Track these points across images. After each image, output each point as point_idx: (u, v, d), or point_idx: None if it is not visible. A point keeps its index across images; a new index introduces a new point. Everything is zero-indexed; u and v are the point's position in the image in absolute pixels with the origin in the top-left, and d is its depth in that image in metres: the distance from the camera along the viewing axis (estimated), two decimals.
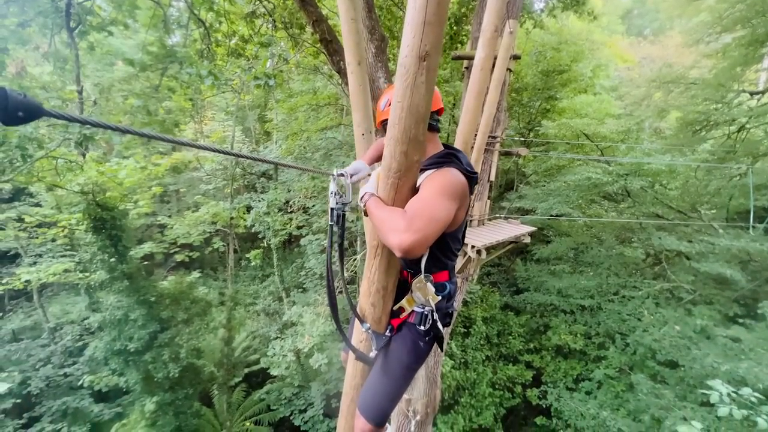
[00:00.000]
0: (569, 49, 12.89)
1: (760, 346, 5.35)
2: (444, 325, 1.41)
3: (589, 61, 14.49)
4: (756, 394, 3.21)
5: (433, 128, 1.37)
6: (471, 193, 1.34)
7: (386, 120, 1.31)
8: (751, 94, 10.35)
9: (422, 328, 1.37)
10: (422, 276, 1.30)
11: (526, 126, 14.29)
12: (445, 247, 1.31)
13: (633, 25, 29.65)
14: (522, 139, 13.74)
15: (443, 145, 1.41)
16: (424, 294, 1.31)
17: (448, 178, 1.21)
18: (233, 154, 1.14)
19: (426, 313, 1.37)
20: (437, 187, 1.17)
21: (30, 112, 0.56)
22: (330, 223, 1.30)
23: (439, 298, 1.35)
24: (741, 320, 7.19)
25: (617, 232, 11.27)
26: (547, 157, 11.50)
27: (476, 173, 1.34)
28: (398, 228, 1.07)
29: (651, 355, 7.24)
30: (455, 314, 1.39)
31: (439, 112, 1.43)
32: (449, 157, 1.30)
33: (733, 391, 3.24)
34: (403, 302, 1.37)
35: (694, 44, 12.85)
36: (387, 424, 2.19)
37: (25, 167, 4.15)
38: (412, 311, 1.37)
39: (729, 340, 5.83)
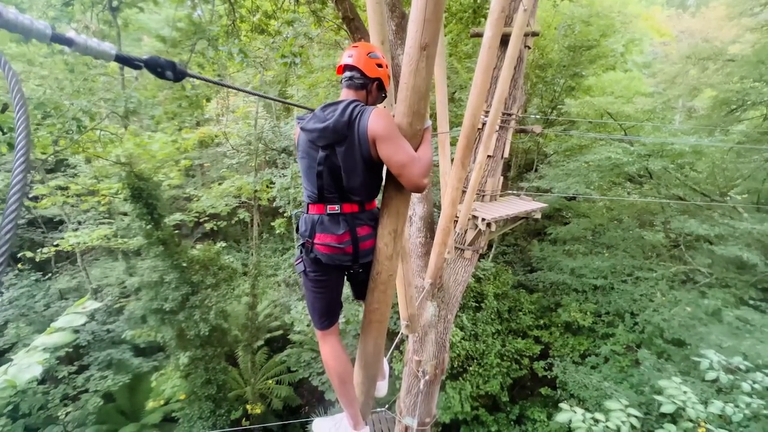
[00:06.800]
0: (600, 22, 12.32)
1: None
2: (309, 260, 1.61)
3: (621, 35, 13.81)
4: (746, 363, 3.41)
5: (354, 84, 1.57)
6: (316, 138, 1.50)
7: (363, 74, 1.55)
8: None
9: None
10: None
11: (549, 104, 13.95)
12: None
13: None
14: (544, 117, 13.46)
15: (347, 101, 1.52)
16: None
17: None
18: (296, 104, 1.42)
19: None
20: None
21: (183, 73, 0.99)
22: None
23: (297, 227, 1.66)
24: (757, 304, 7.18)
25: (638, 214, 11.13)
26: (567, 136, 11.29)
27: (303, 119, 1.56)
28: None
29: (659, 334, 7.38)
30: (315, 252, 1.57)
31: (351, 68, 1.56)
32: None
33: (723, 359, 3.44)
34: None
35: (737, 17, 12.05)
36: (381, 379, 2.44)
37: (79, 137, 4.61)
38: None
39: (736, 320, 5.91)
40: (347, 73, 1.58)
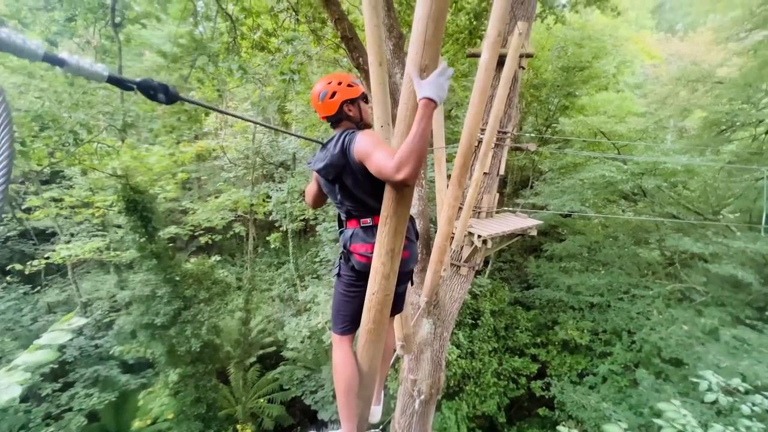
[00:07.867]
0: (592, 45, 12.67)
1: (766, 346, 5.39)
2: (347, 267, 1.77)
3: (612, 57, 14.19)
4: (745, 384, 3.36)
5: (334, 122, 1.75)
6: (325, 174, 1.70)
7: (330, 114, 1.71)
8: None
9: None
10: None
11: (543, 123, 14.20)
12: None
13: (664, 20, 28.54)
14: (539, 135, 13.68)
15: (339, 133, 1.67)
16: None
17: None
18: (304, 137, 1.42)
19: None
20: None
21: (176, 97, 0.98)
22: None
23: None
24: (753, 323, 7.16)
25: (633, 231, 11.18)
26: (562, 154, 11.46)
27: (311, 163, 1.77)
28: None
29: (656, 353, 7.31)
30: (353, 261, 1.72)
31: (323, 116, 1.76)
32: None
33: (722, 381, 3.40)
34: None
35: (724, 41, 12.44)
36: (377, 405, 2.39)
37: (75, 149, 4.60)
38: None
39: (734, 339, 5.88)
40: (326, 119, 1.77)
